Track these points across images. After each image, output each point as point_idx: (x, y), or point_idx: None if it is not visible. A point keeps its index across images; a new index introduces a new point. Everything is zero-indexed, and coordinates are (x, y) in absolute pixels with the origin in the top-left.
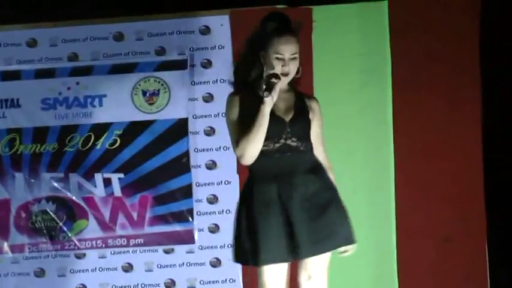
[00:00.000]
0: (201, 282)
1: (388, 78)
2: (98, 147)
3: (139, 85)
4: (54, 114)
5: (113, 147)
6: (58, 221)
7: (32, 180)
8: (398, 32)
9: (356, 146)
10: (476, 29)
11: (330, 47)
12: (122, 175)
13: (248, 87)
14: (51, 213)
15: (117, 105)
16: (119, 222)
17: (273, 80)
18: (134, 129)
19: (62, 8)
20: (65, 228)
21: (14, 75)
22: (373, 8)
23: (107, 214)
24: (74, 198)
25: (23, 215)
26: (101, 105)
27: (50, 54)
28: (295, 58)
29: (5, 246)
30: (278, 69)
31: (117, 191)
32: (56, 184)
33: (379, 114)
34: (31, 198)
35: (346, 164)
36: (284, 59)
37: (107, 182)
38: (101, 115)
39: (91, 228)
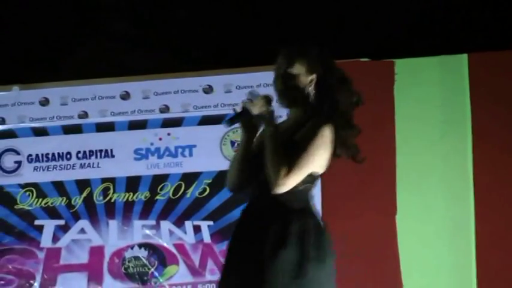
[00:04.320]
0: None
1: (468, 129)
2: (188, 195)
3: (228, 136)
4: (146, 164)
5: (202, 195)
6: (150, 267)
7: (125, 228)
8: (478, 83)
9: (437, 195)
10: None
11: (411, 98)
12: (211, 222)
13: None
14: (143, 259)
15: (207, 155)
16: (208, 268)
17: None
18: (223, 178)
19: (153, 62)
20: (157, 274)
21: (108, 127)
22: (453, 61)
23: (196, 260)
24: (165, 244)
25: (116, 260)
26: (191, 155)
27: (142, 106)
28: None
29: None
30: None
31: (207, 237)
32: (147, 231)
33: (460, 165)
34: (124, 244)
35: (428, 213)
36: None
37: (197, 229)
38: (191, 165)
39: (181, 274)
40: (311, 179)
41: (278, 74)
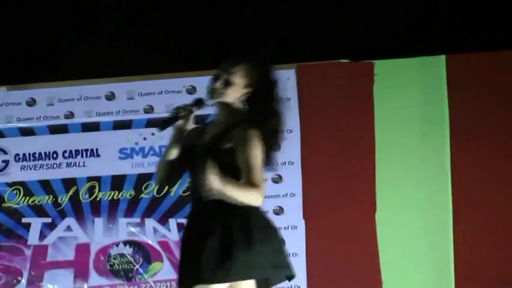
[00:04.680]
0: None
1: (446, 129)
2: (172, 194)
3: None
4: (131, 163)
5: (186, 193)
6: (135, 264)
7: (110, 225)
8: (455, 84)
9: (415, 194)
10: None
11: (391, 99)
12: None
13: None
14: (128, 256)
15: None
16: None
17: None
18: None
19: (136, 63)
20: (141, 270)
21: (94, 127)
22: (431, 62)
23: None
24: (149, 242)
25: (102, 258)
26: None
27: (127, 106)
28: None
29: (86, 287)
30: None
31: None
32: (132, 229)
33: (438, 164)
34: (109, 242)
35: (406, 212)
36: None
37: (181, 227)
38: None
39: (166, 270)
40: None
41: (217, 79)
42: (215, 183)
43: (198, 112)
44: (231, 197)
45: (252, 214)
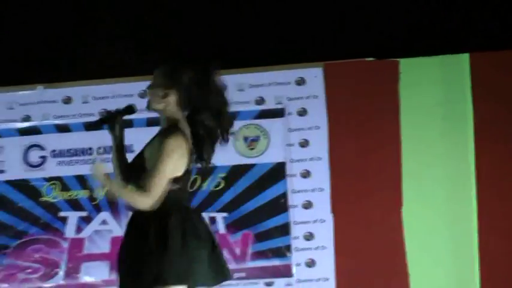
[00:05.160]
0: None
1: (470, 126)
2: (204, 188)
3: (240, 132)
4: None
5: (217, 188)
6: None
7: None
8: (479, 82)
9: (438, 190)
10: None
11: (415, 96)
12: (225, 214)
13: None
14: None
15: (220, 150)
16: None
17: None
18: (236, 172)
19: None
20: None
21: (127, 124)
22: (455, 60)
23: None
24: None
25: None
26: None
27: None
28: None
29: None
30: None
31: (222, 228)
32: None
33: (462, 159)
34: None
35: (429, 209)
36: None
37: (212, 221)
38: None
39: None
40: (176, 182)
41: (148, 91)
42: (112, 187)
43: None
44: (127, 200)
45: (174, 220)
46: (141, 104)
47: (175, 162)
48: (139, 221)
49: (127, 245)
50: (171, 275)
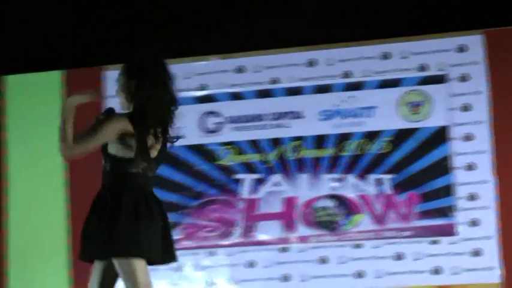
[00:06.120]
0: (463, 270)
1: None
2: (370, 152)
3: (404, 98)
4: (331, 123)
5: (383, 151)
6: (337, 216)
7: (314, 181)
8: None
9: None
10: None
11: None
12: (391, 176)
13: None
14: (331, 209)
15: (385, 115)
16: (390, 217)
17: None
18: (401, 136)
19: (337, 30)
20: (343, 222)
21: (297, 91)
22: None
23: (379, 210)
24: (350, 196)
25: (307, 210)
26: (371, 115)
27: (326, 72)
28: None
29: (293, 237)
30: None
31: (388, 189)
32: (334, 184)
33: None
34: (313, 196)
35: None
36: None
37: (379, 182)
38: (371, 124)
39: (366, 222)
40: (134, 165)
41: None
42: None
43: None
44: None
45: (127, 199)
46: (309, 72)
47: (108, 132)
48: (99, 198)
49: (87, 219)
50: (121, 246)
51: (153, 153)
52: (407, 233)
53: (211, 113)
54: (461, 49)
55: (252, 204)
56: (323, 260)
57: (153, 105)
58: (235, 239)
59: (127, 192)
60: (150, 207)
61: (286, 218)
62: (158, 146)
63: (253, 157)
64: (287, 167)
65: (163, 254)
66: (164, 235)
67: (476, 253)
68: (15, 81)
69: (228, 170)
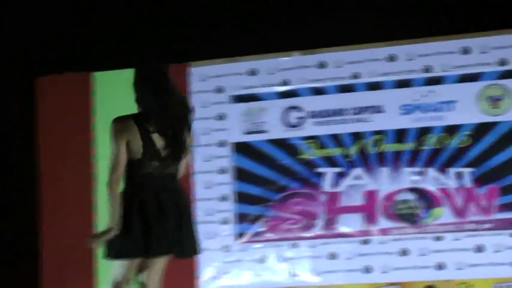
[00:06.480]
0: None
1: None
2: (450, 145)
3: (484, 92)
4: (412, 118)
5: (463, 145)
6: (418, 209)
7: (395, 174)
8: None
9: None
10: None
11: None
12: (472, 169)
13: None
14: (412, 202)
15: (465, 109)
16: (470, 210)
17: None
18: (481, 130)
19: (417, 26)
20: (424, 215)
21: (377, 86)
22: None
23: (459, 203)
24: (431, 189)
25: (388, 203)
26: (451, 110)
27: (407, 67)
28: None
29: (375, 229)
30: None
31: (468, 183)
32: (415, 177)
33: None
34: (394, 189)
35: None
36: None
37: (459, 176)
38: (452, 118)
39: (446, 215)
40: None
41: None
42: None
43: None
44: None
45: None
46: (389, 67)
47: (115, 146)
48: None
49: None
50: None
51: (165, 152)
52: (488, 226)
53: (294, 108)
54: None
55: (333, 197)
56: (404, 252)
57: (156, 113)
58: (317, 231)
59: (139, 191)
60: (162, 203)
61: (367, 210)
62: (171, 144)
63: (334, 151)
64: (368, 161)
65: (178, 247)
66: (178, 226)
67: None
68: (102, 78)
69: (310, 164)
